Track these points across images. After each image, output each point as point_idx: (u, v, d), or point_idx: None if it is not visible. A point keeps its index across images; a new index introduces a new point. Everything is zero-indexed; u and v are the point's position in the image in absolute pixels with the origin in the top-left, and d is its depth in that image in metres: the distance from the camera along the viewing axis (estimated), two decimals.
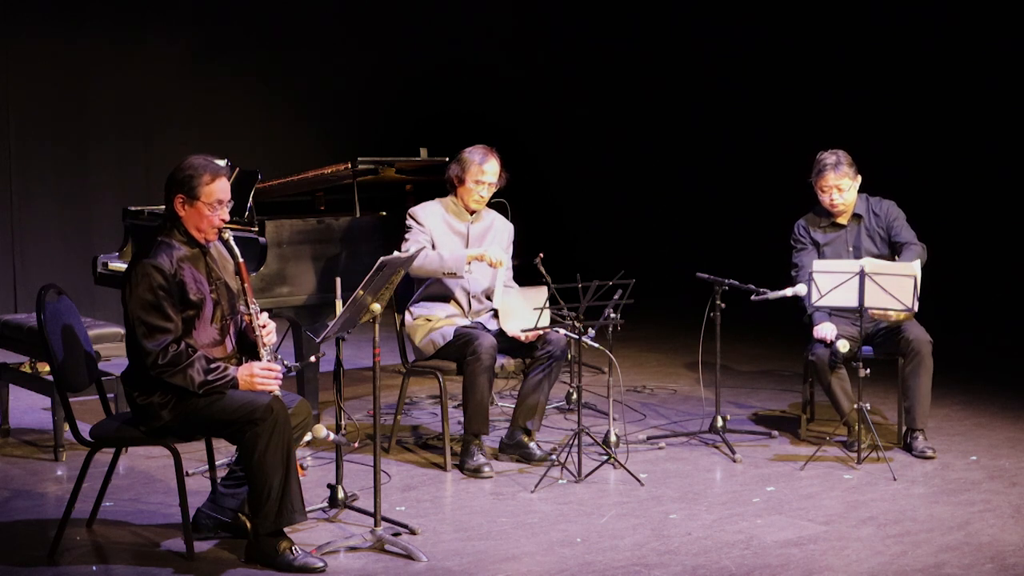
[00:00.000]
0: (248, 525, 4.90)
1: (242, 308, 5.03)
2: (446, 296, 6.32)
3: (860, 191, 6.47)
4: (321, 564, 4.76)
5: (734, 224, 11.45)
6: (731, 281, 6.42)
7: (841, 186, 6.35)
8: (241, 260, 4.94)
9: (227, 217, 4.91)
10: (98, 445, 4.96)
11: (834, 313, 6.35)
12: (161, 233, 4.88)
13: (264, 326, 4.94)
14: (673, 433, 6.78)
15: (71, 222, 9.99)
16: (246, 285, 4.93)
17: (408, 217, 6.34)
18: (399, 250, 6.15)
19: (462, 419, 6.16)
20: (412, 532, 5.15)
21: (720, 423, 6.51)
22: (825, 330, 6.26)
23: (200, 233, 4.89)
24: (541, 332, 6.10)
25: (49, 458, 6.24)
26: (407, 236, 6.30)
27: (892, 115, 10.48)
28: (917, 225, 6.49)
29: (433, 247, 6.25)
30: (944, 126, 10.28)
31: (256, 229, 6.59)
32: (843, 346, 6.15)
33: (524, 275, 6.60)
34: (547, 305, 5.94)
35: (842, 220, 6.47)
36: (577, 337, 5.98)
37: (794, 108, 11.08)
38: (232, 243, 4.94)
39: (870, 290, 6.00)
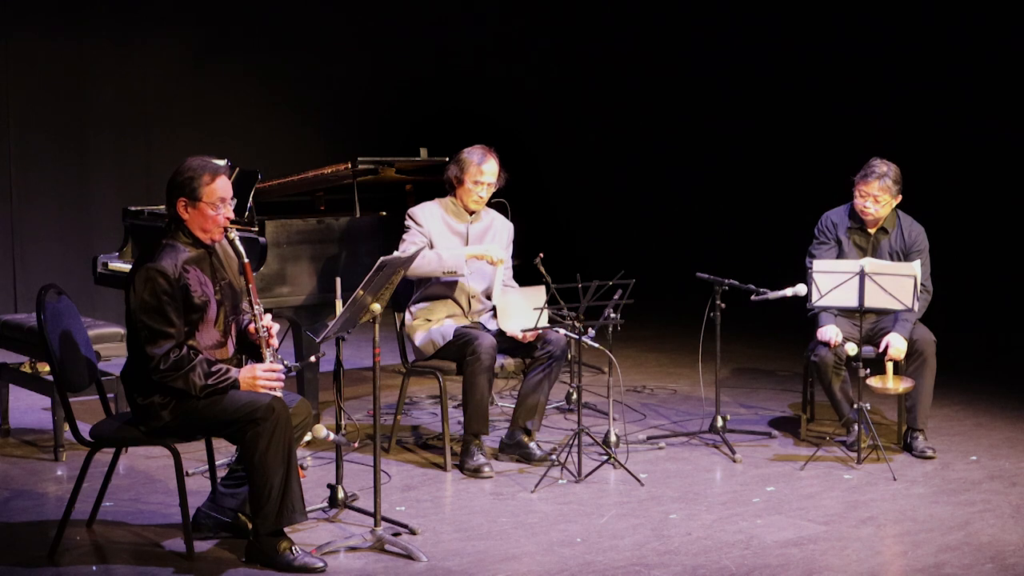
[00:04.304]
0: (248, 525, 4.90)
1: (245, 307, 5.03)
2: (446, 296, 6.32)
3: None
4: (321, 564, 4.76)
5: (734, 224, 11.46)
6: (731, 281, 6.42)
7: (879, 198, 6.32)
8: (247, 260, 4.94)
9: (232, 215, 4.90)
10: (98, 445, 4.95)
11: (840, 314, 6.34)
12: (166, 236, 4.88)
13: (268, 327, 4.94)
14: (673, 433, 6.78)
15: (71, 222, 9.98)
16: (251, 286, 4.92)
17: (407, 217, 6.34)
18: (398, 250, 6.16)
19: (462, 419, 6.16)
20: (412, 532, 5.15)
21: (720, 423, 6.51)
22: (830, 332, 6.25)
23: (206, 234, 4.88)
24: (540, 332, 6.10)
25: (49, 458, 6.24)
26: (405, 237, 6.30)
27: (891, 114, 10.47)
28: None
29: (431, 247, 6.25)
30: (943, 125, 10.26)
31: (256, 229, 6.58)
32: (851, 349, 6.14)
33: (524, 275, 6.60)
34: (547, 305, 5.95)
35: (871, 228, 6.45)
36: (577, 337, 5.98)
37: (793, 108, 11.08)
38: (238, 243, 4.92)
39: (870, 290, 5.99)
